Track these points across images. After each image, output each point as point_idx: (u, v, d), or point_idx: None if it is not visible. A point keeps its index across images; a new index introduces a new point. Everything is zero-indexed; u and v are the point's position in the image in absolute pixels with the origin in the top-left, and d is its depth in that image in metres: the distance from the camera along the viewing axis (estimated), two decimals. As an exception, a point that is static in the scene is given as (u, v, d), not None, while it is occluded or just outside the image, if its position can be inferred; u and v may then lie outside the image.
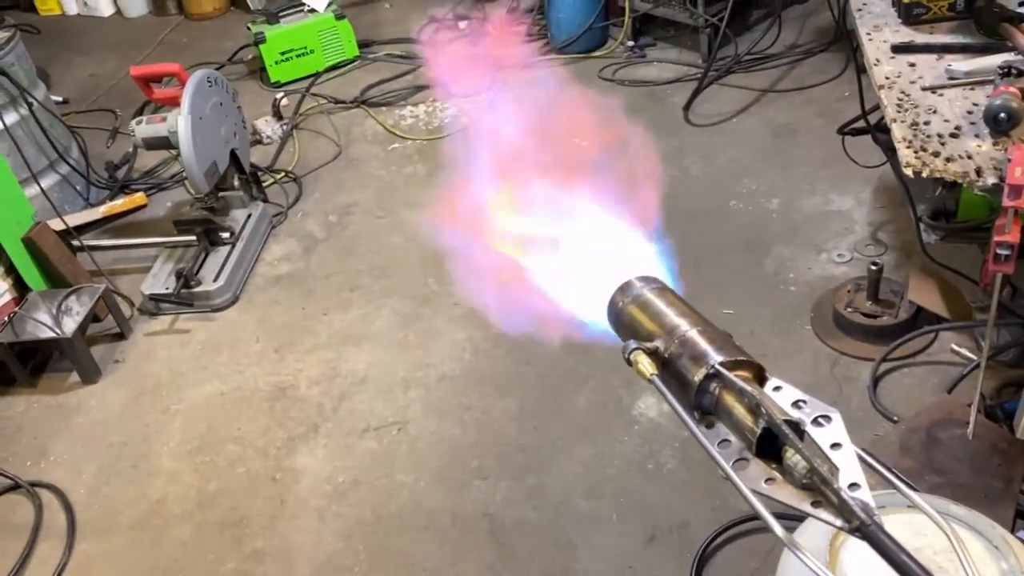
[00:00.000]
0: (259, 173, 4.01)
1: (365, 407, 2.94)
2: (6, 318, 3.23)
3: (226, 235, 3.63)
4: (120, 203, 4.10)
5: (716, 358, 0.95)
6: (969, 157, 1.66)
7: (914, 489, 1.47)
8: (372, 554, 2.47)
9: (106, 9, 6.58)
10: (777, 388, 0.94)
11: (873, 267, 2.71)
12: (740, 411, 0.92)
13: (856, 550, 1.39)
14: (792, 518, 1.17)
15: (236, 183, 3.82)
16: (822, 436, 0.89)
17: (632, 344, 1.00)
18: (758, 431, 0.89)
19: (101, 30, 6.43)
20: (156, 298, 3.45)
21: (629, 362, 1.00)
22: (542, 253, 1.32)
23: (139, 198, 4.15)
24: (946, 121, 1.74)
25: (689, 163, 3.80)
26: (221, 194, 3.75)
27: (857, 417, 2.56)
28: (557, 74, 4.64)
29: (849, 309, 2.78)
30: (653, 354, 0.99)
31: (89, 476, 2.87)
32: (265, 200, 3.94)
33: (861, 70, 2.45)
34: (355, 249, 3.71)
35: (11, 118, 3.75)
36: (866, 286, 2.78)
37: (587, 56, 4.75)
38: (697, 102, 4.15)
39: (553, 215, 1.34)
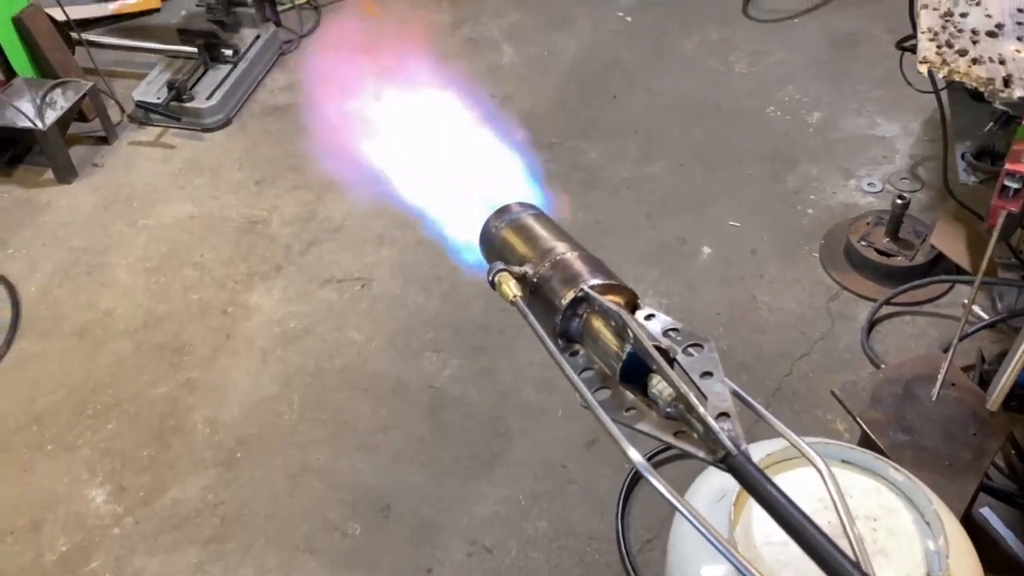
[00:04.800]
0: (275, -5, 3.74)
1: (333, 257, 2.79)
2: (-13, 100, 3.10)
3: (229, 53, 3.42)
4: (131, 1, 3.88)
5: (588, 280, 0.87)
6: (1001, 62, 1.37)
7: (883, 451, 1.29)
8: (305, 405, 2.37)
9: None
10: (649, 316, 0.86)
11: (899, 201, 2.45)
12: (607, 335, 0.84)
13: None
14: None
15: (250, 1, 3.57)
16: (693, 365, 0.80)
17: (498, 265, 0.91)
18: (623, 356, 0.81)
19: None
20: (144, 106, 3.28)
21: (493, 284, 0.92)
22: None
23: None
24: (988, 16, 1.42)
25: (735, 59, 3.47)
26: (232, 10, 3.51)
27: (842, 359, 2.36)
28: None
29: (863, 242, 2.53)
30: (520, 279, 0.91)
31: (43, 275, 2.79)
32: (278, 24, 3.70)
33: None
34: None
35: None
36: (887, 220, 2.52)
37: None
38: (760, -6, 3.77)
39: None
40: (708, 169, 2.99)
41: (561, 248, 0.93)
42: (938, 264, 2.51)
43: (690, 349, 0.81)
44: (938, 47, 1.43)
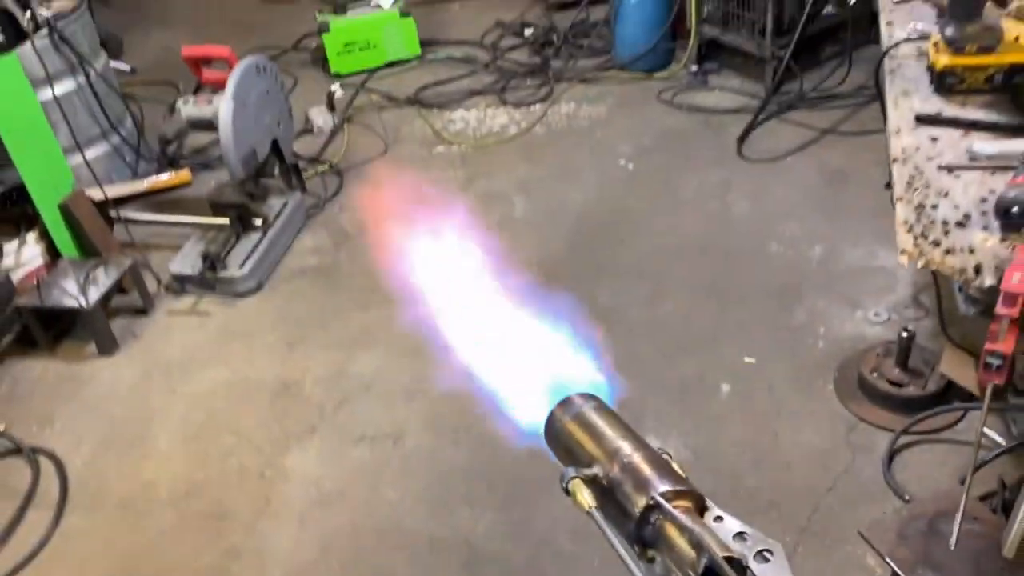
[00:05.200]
0: (300, 164, 4.01)
1: (364, 414, 2.90)
2: (35, 282, 3.30)
3: (259, 222, 3.64)
4: (165, 178, 4.15)
5: (658, 487, 0.91)
6: (971, 251, 1.51)
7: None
8: (345, 568, 2.43)
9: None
10: (718, 518, 0.90)
11: (904, 333, 2.56)
12: (682, 545, 0.88)
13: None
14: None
15: (276, 171, 3.83)
16: (765, 573, 0.84)
17: (571, 472, 0.96)
18: (700, 570, 0.85)
19: (181, 1, 6.53)
20: (180, 278, 3.47)
21: (567, 491, 0.96)
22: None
23: (184, 175, 4.20)
24: (956, 207, 1.57)
25: (733, 198, 3.67)
26: (260, 181, 3.76)
27: (866, 491, 2.42)
28: (614, 92, 4.55)
29: (875, 374, 2.63)
30: (592, 482, 0.95)
31: (88, 448, 2.90)
32: (303, 191, 3.95)
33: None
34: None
35: (67, 86, 3.81)
36: (895, 351, 2.62)
37: (648, 75, 4.63)
38: (753, 136, 4.00)
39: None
40: (718, 307, 3.12)
41: (628, 449, 0.97)
42: (950, 390, 2.59)
43: (763, 555, 0.85)
44: (914, 239, 1.57)
